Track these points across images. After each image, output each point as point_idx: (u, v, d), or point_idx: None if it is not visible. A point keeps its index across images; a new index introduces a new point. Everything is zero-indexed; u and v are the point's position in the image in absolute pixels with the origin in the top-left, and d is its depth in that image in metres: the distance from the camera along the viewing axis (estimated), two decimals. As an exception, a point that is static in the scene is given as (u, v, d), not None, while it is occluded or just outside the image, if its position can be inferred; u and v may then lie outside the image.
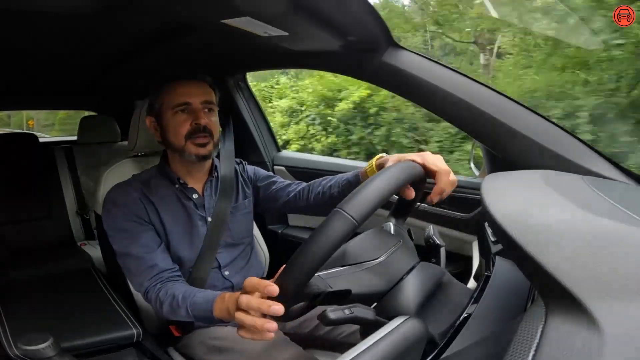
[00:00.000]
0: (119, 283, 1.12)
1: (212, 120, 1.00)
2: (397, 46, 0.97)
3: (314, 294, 0.58)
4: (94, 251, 1.74)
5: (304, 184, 1.12)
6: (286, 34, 0.87)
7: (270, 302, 0.56)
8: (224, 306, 0.75)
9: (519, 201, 0.54)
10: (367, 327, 0.60)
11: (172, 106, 0.97)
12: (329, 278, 0.60)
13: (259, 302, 0.58)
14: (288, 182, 1.16)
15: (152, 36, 1.09)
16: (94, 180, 1.20)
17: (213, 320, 0.79)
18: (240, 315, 0.62)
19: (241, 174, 1.16)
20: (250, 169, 1.20)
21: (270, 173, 1.22)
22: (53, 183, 2.00)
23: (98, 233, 1.20)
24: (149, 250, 0.92)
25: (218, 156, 1.13)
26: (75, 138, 2.16)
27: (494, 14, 4.58)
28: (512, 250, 0.43)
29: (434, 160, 0.75)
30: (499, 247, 0.81)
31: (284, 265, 0.54)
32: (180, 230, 1.00)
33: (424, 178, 0.74)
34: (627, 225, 0.41)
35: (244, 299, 0.61)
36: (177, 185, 1.02)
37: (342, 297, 0.60)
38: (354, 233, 0.54)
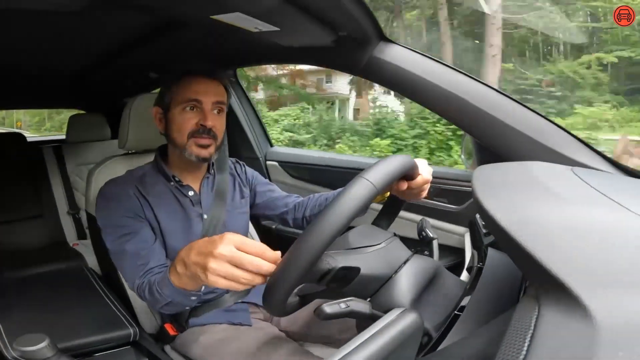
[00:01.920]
0: (114, 282, 1.11)
1: (219, 123, 0.98)
2: (388, 41, 0.97)
3: (325, 271, 0.59)
4: (87, 251, 1.73)
5: (302, 198, 1.15)
6: (277, 29, 0.86)
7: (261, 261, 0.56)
8: (173, 269, 0.71)
9: (510, 193, 0.55)
10: (364, 321, 0.61)
11: (182, 101, 0.94)
12: (338, 256, 0.62)
13: (252, 259, 0.56)
14: (286, 193, 1.18)
15: (142, 33, 1.07)
16: (84, 179, 1.18)
17: (180, 293, 0.74)
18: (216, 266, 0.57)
19: (239, 174, 1.16)
20: (250, 171, 1.20)
21: (269, 181, 1.23)
22: (42, 183, 1.97)
23: (90, 232, 1.19)
24: (144, 246, 0.91)
25: None
26: (64, 136, 2.13)
27: (486, 10, 4.63)
28: (504, 241, 0.43)
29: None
30: (491, 238, 0.82)
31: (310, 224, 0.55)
32: (176, 227, 0.99)
33: (417, 169, 0.76)
34: (617, 216, 0.42)
35: (233, 252, 0.57)
36: (172, 183, 1.01)
37: (351, 275, 0.61)
38: (348, 227, 0.56)
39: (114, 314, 0.98)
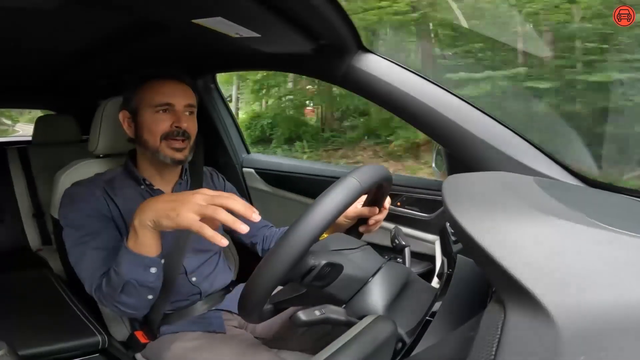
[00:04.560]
0: (81, 289, 1.07)
1: (192, 124, 0.97)
2: (366, 50, 0.99)
3: (309, 268, 0.61)
4: (52, 257, 1.66)
5: (273, 228, 1.16)
6: (258, 35, 0.87)
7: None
8: (130, 230, 0.74)
9: (477, 202, 0.57)
10: (339, 327, 0.61)
11: (154, 105, 0.93)
12: (321, 254, 0.64)
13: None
14: (263, 221, 1.18)
15: (119, 34, 1.05)
16: (50, 182, 1.14)
17: (138, 263, 0.75)
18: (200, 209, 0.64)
19: (214, 182, 1.15)
20: (230, 186, 1.20)
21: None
22: (5, 185, 1.88)
23: (56, 237, 1.15)
24: (106, 248, 0.88)
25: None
26: (30, 138, 2.04)
27: (464, 24, 4.76)
28: (471, 248, 0.44)
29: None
30: (460, 245, 0.85)
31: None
32: None
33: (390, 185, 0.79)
34: (574, 223, 0.44)
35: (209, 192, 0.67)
36: (142, 186, 0.99)
37: (334, 272, 0.63)
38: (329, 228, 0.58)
39: (80, 321, 0.94)
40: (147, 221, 0.70)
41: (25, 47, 1.14)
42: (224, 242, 0.63)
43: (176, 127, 0.93)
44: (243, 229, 0.62)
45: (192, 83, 1.01)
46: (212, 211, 0.63)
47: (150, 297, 0.84)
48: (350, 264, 0.65)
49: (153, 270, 0.78)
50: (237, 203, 0.64)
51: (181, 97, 0.95)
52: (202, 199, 0.65)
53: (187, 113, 0.97)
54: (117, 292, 0.79)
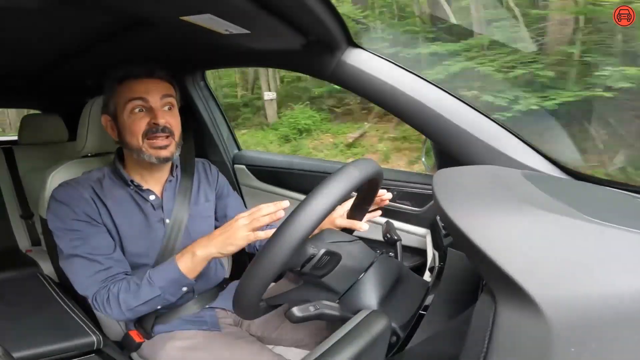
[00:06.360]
0: (73, 290, 1.06)
1: (173, 119, 0.95)
2: (356, 46, 0.99)
3: (309, 256, 0.63)
4: (42, 257, 1.64)
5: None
6: (247, 32, 0.86)
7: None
8: (186, 255, 0.86)
9: (466, 196, 0.58)
10: (334, 323, 0.62)
11: (128, 102, 0.91)
12: (320, 243, 0.65)
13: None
14: None
15: (106, 32, 1.03)
16: (38, 182, 1.12)
17: (177, 282, 0.87)
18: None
19: (207, 176, 1.14)
20: (222, 178, 1.18)
21: (239, 197, 1.22)
22: None
23: (45, 238, 1.13)
24: (100, 252, 0.87)
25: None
26: (15, 137, 2.01)
27: (452, 19, 4.79)
28: (461, 242, 0.45)
29: None
30: (451, 239, 0.86)
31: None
32: (136, 233, 0.95)
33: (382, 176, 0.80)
34: (563, 216, 0.45)
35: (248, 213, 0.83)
36: (131, 187, 0.98)
37: (333, 261, 0.64)
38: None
39: (74, 322, 0.93)
40: (214, 253, 0.84)
41: (10, 46, 1.12)
42: None
43: (154, 123, 0.91)
44: (280, 214, 0.79)
45: (169, 76, 0.98)
46: (256, 223, 0.80)
47: (159, 307, 0.91)
48: (348, 254, 0.66)
49: (184, 289, 0.91)
50: (268, 208, 0.80)
51: (155, 92, 0.92)
52: (244, 221, 0.81)
53: (165, 108, 0.94)
54: (138, 301, 0.86)
